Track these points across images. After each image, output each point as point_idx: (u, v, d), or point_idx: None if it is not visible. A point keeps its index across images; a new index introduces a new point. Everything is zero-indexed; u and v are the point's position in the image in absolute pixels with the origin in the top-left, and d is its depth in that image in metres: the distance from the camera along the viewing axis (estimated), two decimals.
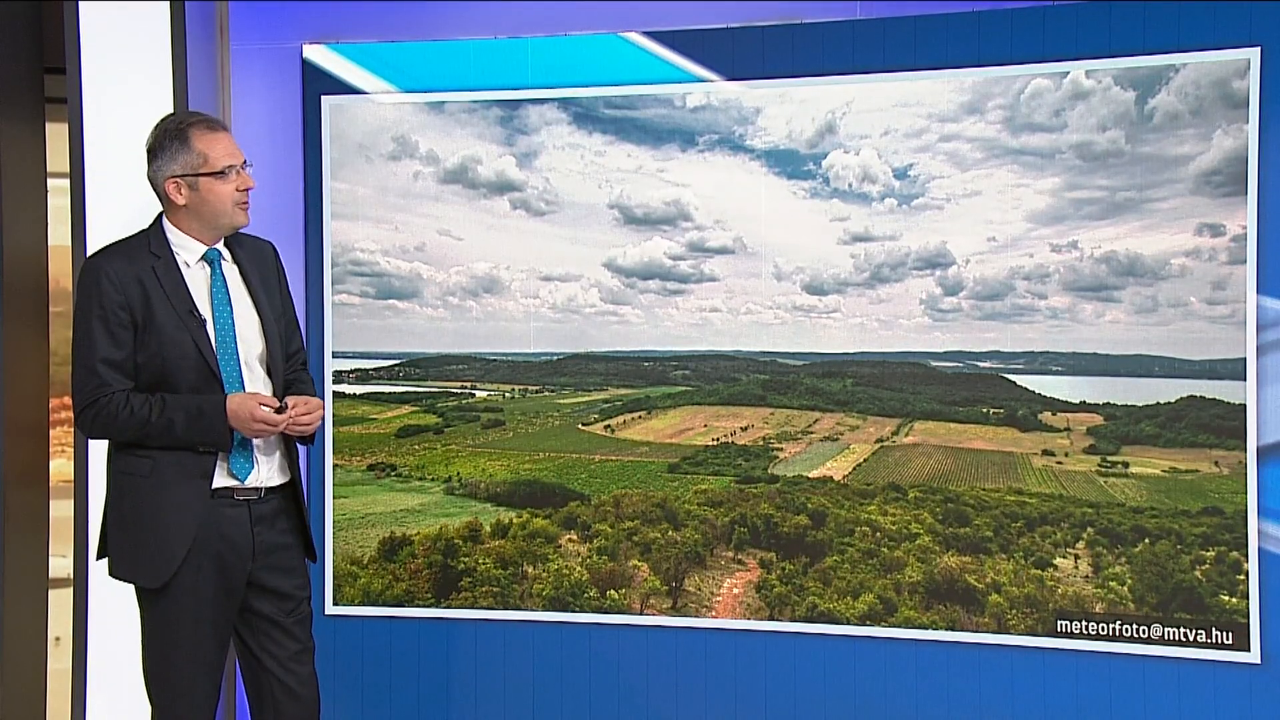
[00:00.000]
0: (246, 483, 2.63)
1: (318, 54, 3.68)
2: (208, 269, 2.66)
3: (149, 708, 2.68)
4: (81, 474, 3.33)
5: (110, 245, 2.68)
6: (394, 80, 3.68)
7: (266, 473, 2.68)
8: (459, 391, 3.79)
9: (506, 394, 3.78)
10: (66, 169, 3.37)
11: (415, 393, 3.78)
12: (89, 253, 3.30)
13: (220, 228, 2.66)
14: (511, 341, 3.69)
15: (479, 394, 3.79)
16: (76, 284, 2.66)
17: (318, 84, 3.68)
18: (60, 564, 3.64)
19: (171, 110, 3.29)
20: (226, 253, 2.71)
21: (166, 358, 2.58)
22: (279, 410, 2.58)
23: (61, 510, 3.59)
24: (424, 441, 3.77)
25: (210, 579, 2.61)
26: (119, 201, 3.34)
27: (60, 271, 3.68)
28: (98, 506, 3.30)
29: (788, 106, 3.52)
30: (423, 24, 3.67)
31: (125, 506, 2.63)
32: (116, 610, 3.32)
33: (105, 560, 2.70)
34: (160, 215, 2.68)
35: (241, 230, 2.72)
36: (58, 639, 3.74)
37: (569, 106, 3.63)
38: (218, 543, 2.61)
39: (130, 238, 2.69)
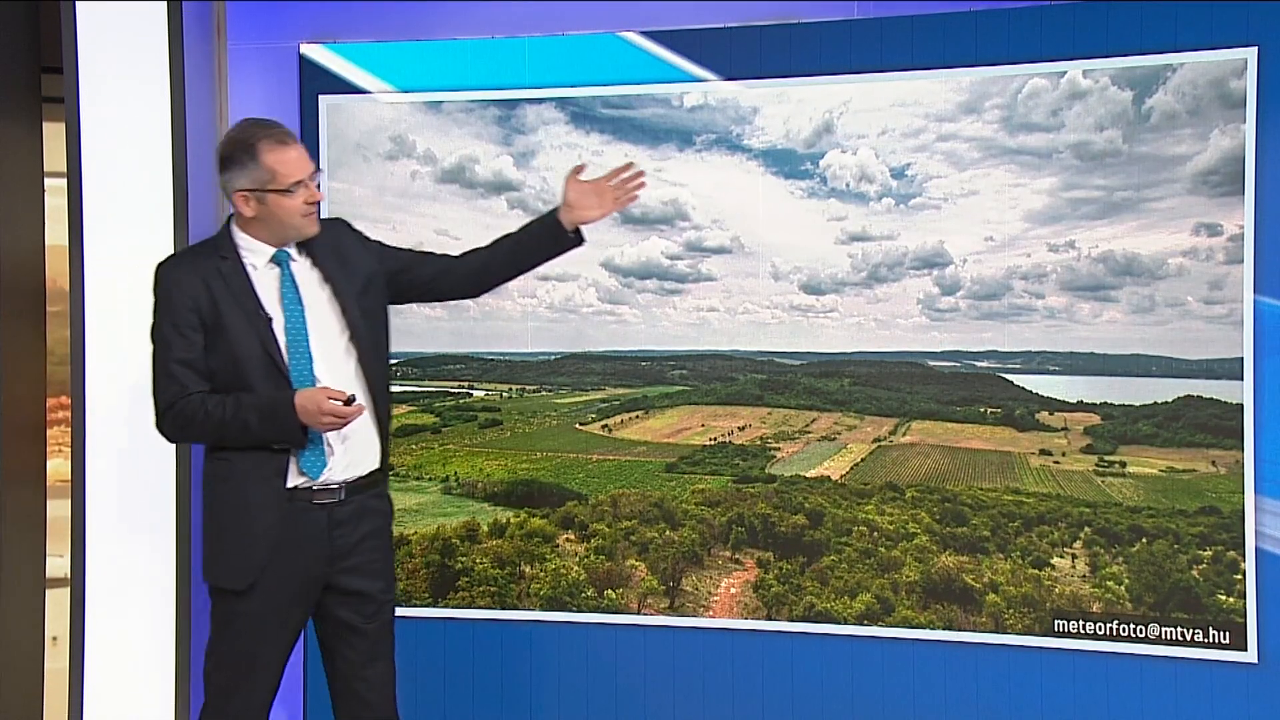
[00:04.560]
0: (319, 481, 2.62)
1: (315, 53, 3.68)
2: (277, 270, 2.67)
3: (203, 697, 2.69)
4: (78, 474, 3.33)
5: (178, 251, 2.76)
6: (391, 80, 3.68)
7: (344, 468, 2.65)
8: (456, 391, 3.78)
9: (504, 394, 3.78)
10: (64, 168, 3.37)
11: (412, 392, 3.78)
12: (86, 252, 3.33)
13: (288, 237, 2.67)
14: (509, 341, 3.69)
15: (476, 394, 3.79)
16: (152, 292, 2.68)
17: (315, 83, 3.68)
18: (57, 564, 3.64)
19: (167, 110, 3.30)
20: (298, 252, 2.70)
21: (237, 358, 2.59)
22: (348, 402, 2.54)
23: (59, 510, 3.58)
24: (421, 441, 3.77)
25: (286, 584, 2.61)
26: (116, 201, 3.34)
27: (57, 271, 3.67)
28: (95, 506, 3.32)
29: (785, 106, 3.52)
30: (420, 23, 3.67)
31: (211, 511, 2.66)
32: (114, 610, 3.32)
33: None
34: (230, 219, 2.70)
35: None
36: (55, 639, 3.73)
37: (566, 106, 3.63)
38: (295, 548, 2.61)
39: (198, 243, 2.74)
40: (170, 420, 2.62)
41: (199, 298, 2.59)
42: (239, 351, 2.59)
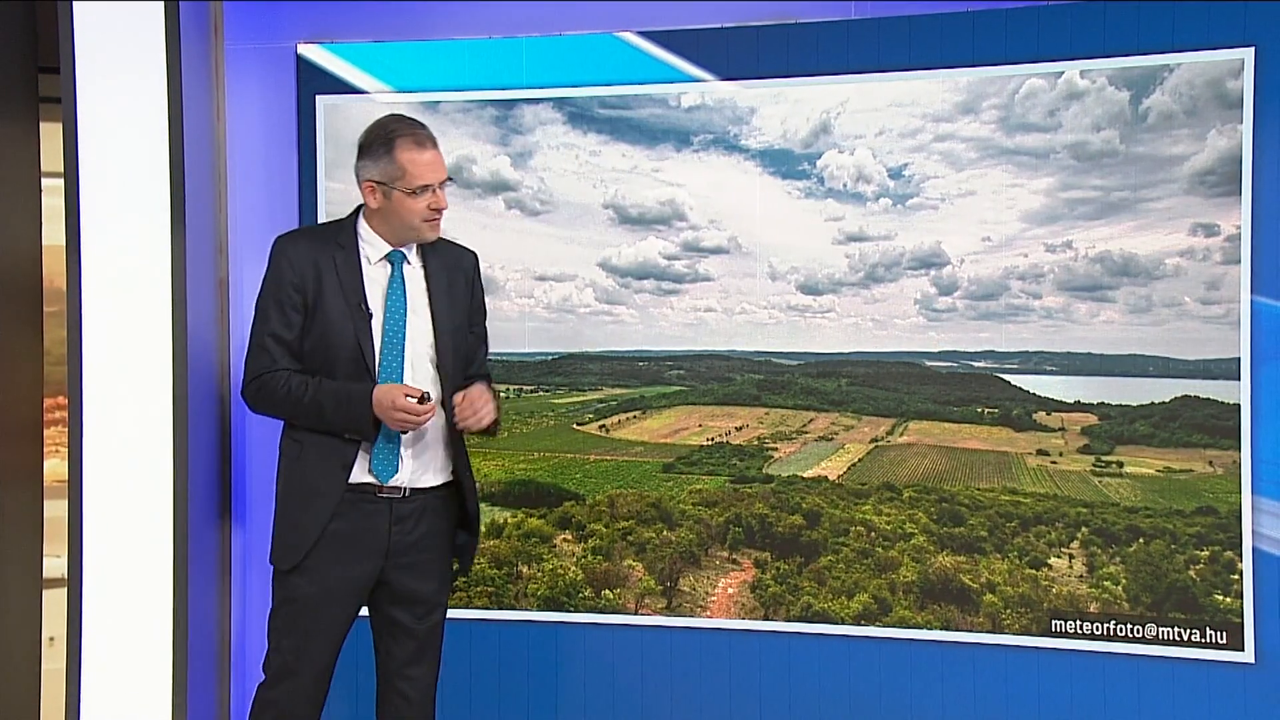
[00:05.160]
0: (388, 484, 2.65)
1: (312, 53, 3.68)
2: (389, 268, 2.70)
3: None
4: (75, 474, 3.32)
5: (301, 228, 2.87)
6: (389, 80, 3.68)
7: (414, 474, 2.67)
8: None
9: (501, 394, 3.77)
10: (61, 168, 3.36)
11: None
12: (83, 252, 3.33)
13: (406, 238, 2.70)
14: (506, 341, 3.69)
15: None
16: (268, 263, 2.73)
17: (312, 83, 3.68)
18: (54, 564, 3.63)
19: (164, 110, 3.30)
20: (415, 257, 2.73)
21: (330, 345, 2.63)
22: (422, 401, 2.55)
23: (55, 510, 3.58)
24: None
25: (338, 572, 2.64)
26: (113, 201, 3.33)
27: (54, 271, 3.66)
28: (92, 506, 3.32)
29: (782, 106, 3.52)
30: (417, 23, 3.67)
31: (281, 488, 2.70)
32: (111, 610, 3.32)
33: None
34: (359, 208, 2.74)
35: (443, 237, 2.77)
36: (52, 639, 3.72)
37: (564, 106, 3.62)
38: (351, 538, 2.63)
39: (322, 224, 2.84)
40: (254, 391, 2.67)
41: (306, 278, 2.63)
42: (333, 340, 2.63)
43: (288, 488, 2.68)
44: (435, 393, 2.69)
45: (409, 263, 2.73)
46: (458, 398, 2.64)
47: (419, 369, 2.69)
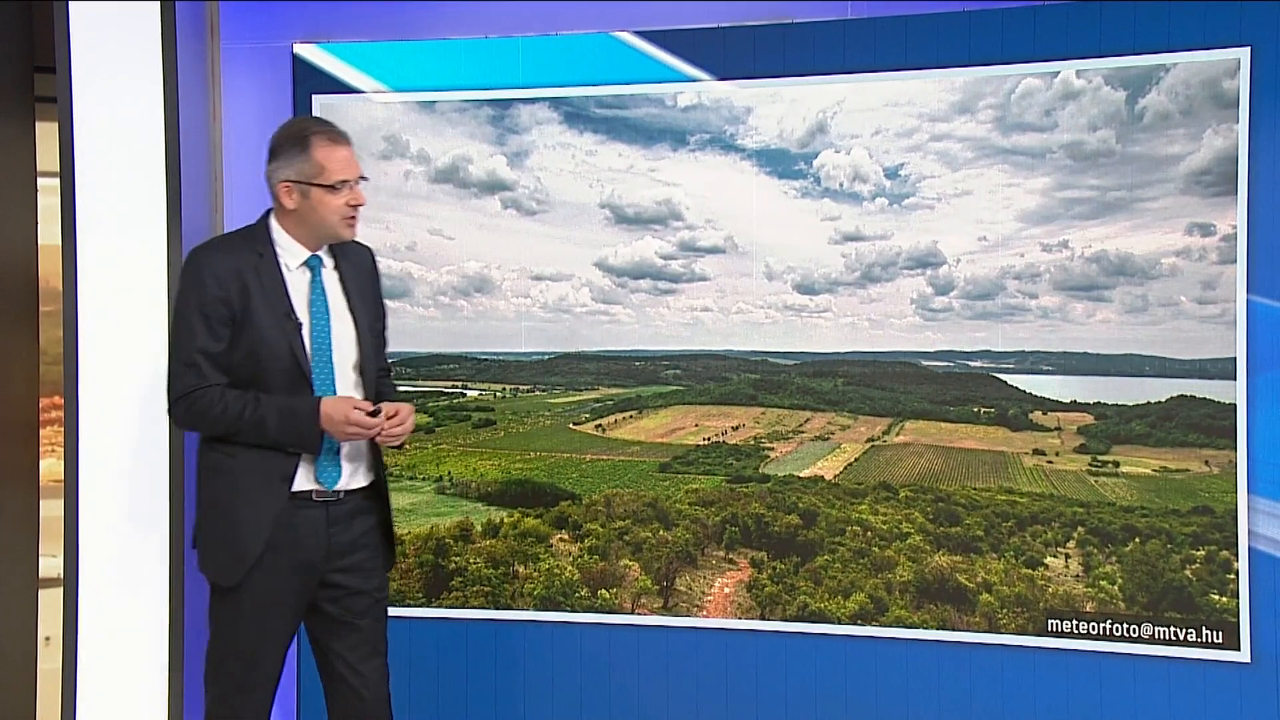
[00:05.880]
0: (331, 489, 2.65)
1: (308, 53, 3.68)
2: (309, 274, 2.67)
3: (205, 697, 2.70)
4: (72, 474, 3.32)
5: (214, 239, 2.74)
6: (385, 79, 3.67)
7: (350, 478, 2.68)
8: (450, 391, 3.78)
9: (497, 393, 3.78)
10: (57, 168, 3.36)
11: (406, 392, 3.75)
12: (79, 252, 3.33)
13: (323, 238, 2.68)
14: (502, 341, 3.69)
15: (470, 393, 3.78)
16: (180, 276, 2.67)
17: (308, 83, 3.67)
18: (51, 564, 3.63)
19: (160, 110, 3.30)
20: (329, 260, 2.72)
21: (261, 358, 2.59)
22: (373, 414, 2.56)
23: (52, 510, 3.58)
24: (415, 441, 3.76)
25: (283, 581, 2.62)
26: (109, 201, 3.33)
27: (50, 271, 3.67)
28: (88, 506, 3.32)
29: (779, 106, 3.52)
30: (413, 23, 3.66)
31: (208, 502, 2.66)
32: (107, 610, 3.32)
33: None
34: (268, 213, 2.70)
35: None
36: (48, 639, 3.73)
37: (560, 106, 3.62)
38: (293, 545, 2.62)
39: (235, 233, 2.74)
40: (185, 408, 2.61)
41: (231, 290, 2.58)
42: (264, 352, 2.59)
43: (221, 501, 2.63)
44: (359, 395, 2.69)
45: (326, 267, 2.71)
46: (390, 409, 2.62)
47: (346, 376, 2.68)
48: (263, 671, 2.66)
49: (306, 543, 2.63)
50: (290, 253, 2.67)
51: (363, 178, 2.69)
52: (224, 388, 2.59)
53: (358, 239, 2.77)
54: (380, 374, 2.83)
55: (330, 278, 2.71)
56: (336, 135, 2.66)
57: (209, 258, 2.62)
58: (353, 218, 2.67)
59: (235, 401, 2.57)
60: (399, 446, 2.74)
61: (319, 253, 2.70)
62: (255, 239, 2.66)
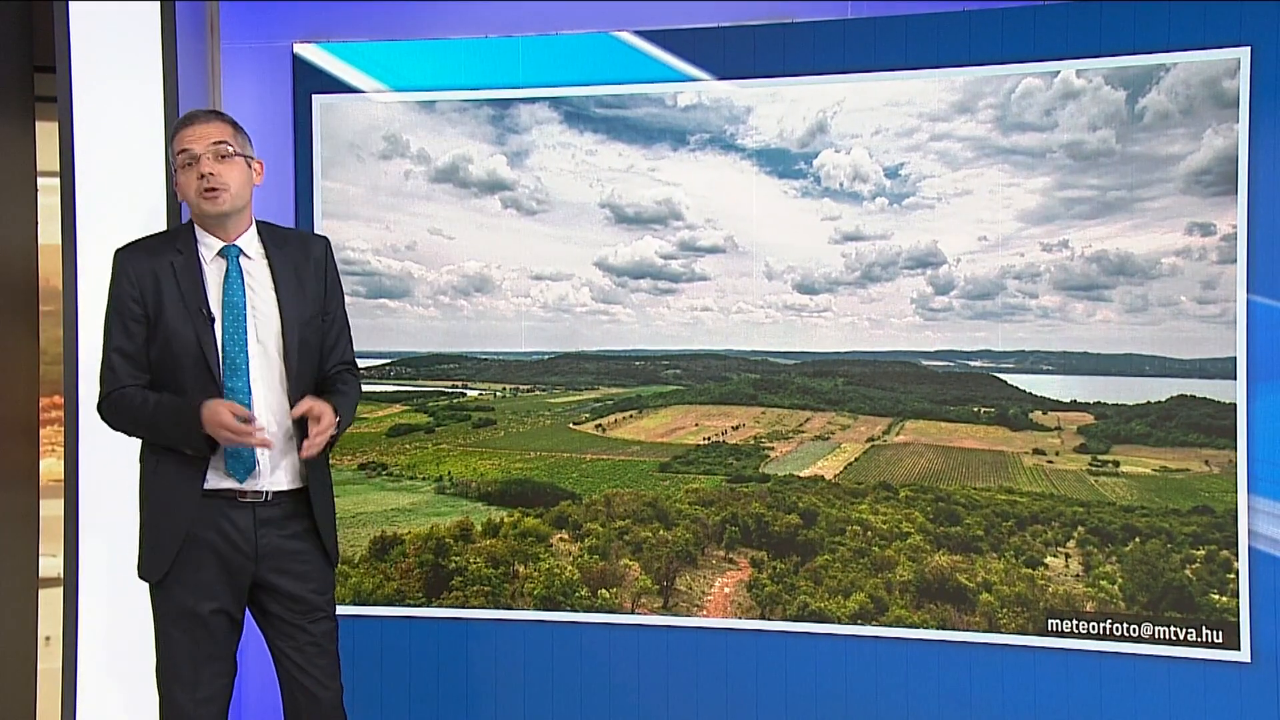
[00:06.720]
0: (246, 485, 2.62)
1: (308, 53, 3.68)
2: (224, 264, 2.65)
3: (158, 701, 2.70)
4: (72, 473, 3.32)
5: (138, 239, 2.70)
6: (385, 79, 3.67)
7: (271, 476, 2.64)
8: (450, 391, 3.78)
9: (497, 393, 3.78)
10: (56, 168, 3.36)
11: (406, 392, 3.78)
12: (79, 252, 3.32)
13: (203, 222, 2.65)
14: (503, 341, 3.69)
15: (470, 393, 3.78)
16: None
17: (308, 83, 3.67)
18: (50, 563, 3.63)
19: (160, 110, 3.30)
20: (256, 251, 2.68)
21: (173, 353, 2.59)
22: (248, 421, 2.52)
23: (52, 510, 3.58)
24: (415, 441, 3.77)
25: (210, 576, 2.61)
26: (109, 200, 3.33)
27: (51, 271, 3.66)
28: (88, 506, 3.32)
29: (779, 106, 3.52)
30: (414, 23, 3.67)
31: (140, 502, 2.68)
32: (107, 610, 3.32)
33: None
34: None
35: (292, 227, 2.72)
36: (48, 638, 3.73)
37: (560, 105, 3.62)
38: (218, 541, 2.60)
39: (160, 232, 2.74)
40: (106, 410, 2.65)
41: (145, 289, 2.59)
42: (175, 348, 2.58)
43: (148, 499, 2.65)
44: (287, 388, 2.64)
45: (247, 256, 2.66)
46: (307, 408, 2.56)
47: (268, 367, 2.64)
48: (204, 669, 2.63)
49: (232, 539, 2.61)
50: (206, 245, 2.65)
51: (225, 143, 2.60)
52: (140, 388, 2.60)
53: (319, 231, 2.74)
54: (340, 367, 2.78)
55: (256, 267, 2.66)
56: (190, 116, 2.64)
57: (127, 257, 2.64)
58: (211, 190, 2.59)
59: (141, 404, 2.58)
60: (327, 450, 2.66)
61: (237, 242, 2.65)
62: (178, 236, 2.67)
